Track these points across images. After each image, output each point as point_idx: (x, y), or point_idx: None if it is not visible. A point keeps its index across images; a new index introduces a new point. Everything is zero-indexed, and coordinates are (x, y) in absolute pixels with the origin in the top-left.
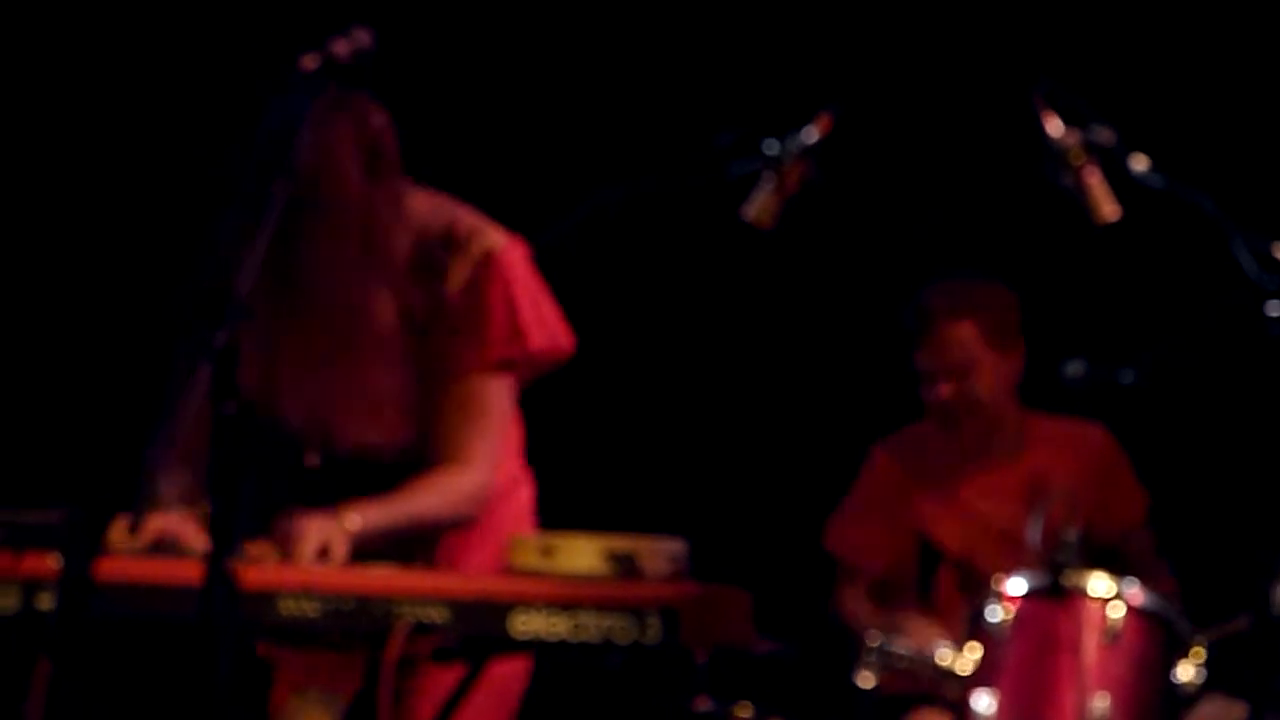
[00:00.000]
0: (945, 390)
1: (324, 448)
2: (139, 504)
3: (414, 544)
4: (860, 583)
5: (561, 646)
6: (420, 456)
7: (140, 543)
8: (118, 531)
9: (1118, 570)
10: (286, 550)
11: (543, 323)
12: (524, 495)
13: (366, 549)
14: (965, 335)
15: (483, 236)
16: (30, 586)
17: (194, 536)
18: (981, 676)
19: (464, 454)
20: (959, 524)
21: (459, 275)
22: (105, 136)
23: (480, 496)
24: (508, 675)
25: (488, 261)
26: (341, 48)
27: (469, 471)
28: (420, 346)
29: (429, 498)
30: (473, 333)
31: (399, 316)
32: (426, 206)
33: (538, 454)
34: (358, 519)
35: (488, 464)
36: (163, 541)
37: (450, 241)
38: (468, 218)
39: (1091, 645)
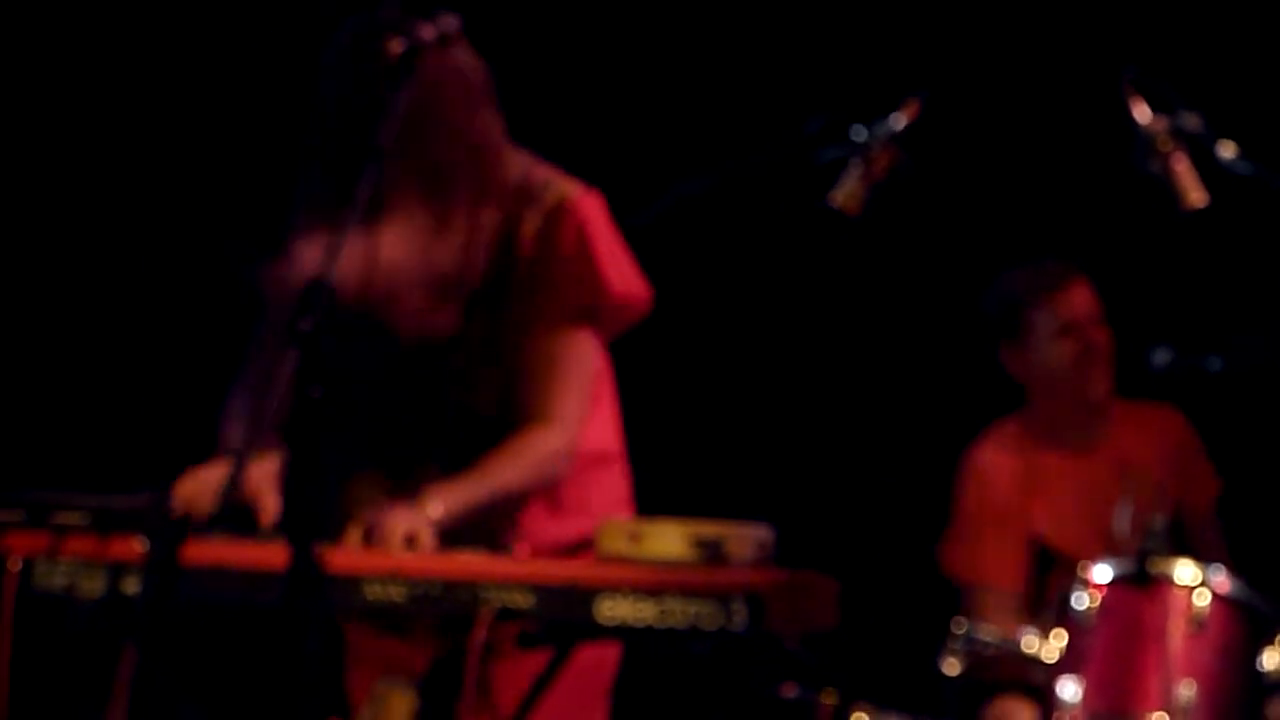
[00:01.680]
0: (1101, 334)
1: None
2: (230, 471)
3: (498, 516)
4: (996, 604)
5: (648, 633)
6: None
7: (223, 495)
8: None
9: (1202, 557)
10: (373, 535)
11: (620, 270)
12: (617, 473)
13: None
14: (1090, 297)
15: (556, 185)
16: (116, 570)
17: (270, 493)
18: (1067, 664)
19: (545, 412)
20: (1065, 518)
21: (531, 225)
22: (186, 114)
23: (563, 456)
24: (594, 662)
25: (560, 209)
26: (428, 32)
27: (550, 431)
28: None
29: (509, 470)
30: (547, 280)
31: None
32: (512, 155)
33: (634, 438)
34: (440, 506)
35: (570, 421)
36: (243, 503)
37: (524, 193)
38: (542, 170)
39: (1177, 633)
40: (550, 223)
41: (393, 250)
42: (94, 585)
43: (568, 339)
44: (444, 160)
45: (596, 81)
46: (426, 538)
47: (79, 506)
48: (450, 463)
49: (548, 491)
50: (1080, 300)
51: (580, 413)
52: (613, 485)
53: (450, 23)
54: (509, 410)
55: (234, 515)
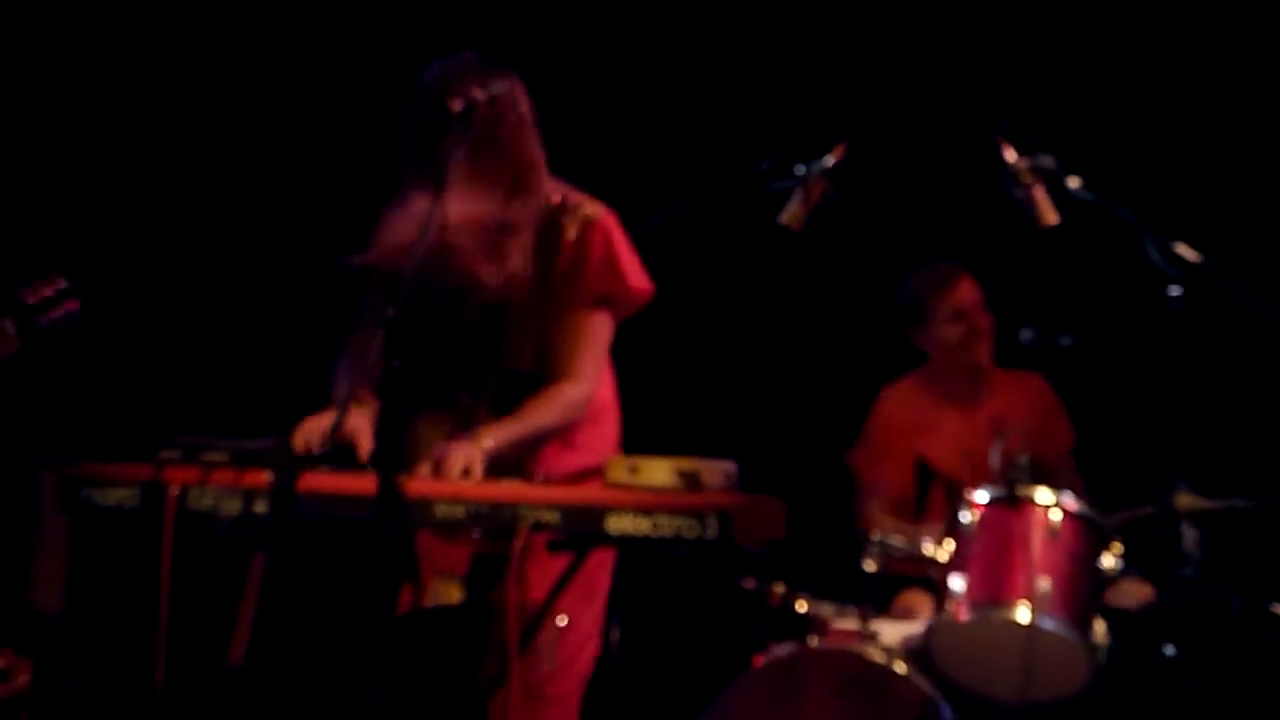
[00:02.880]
0: (983, 319)
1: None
2: (335, 420)
3: (524, 450)
4: (877, 498)
5: (644, 541)
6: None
7: (329, 438)
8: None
9: (1056, 485)
10: (439, 468)
11: (633, 268)
12: (612, 422)
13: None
14: (975, 293)
15: (587, 205)
16: (249, 495)
17: (366, 435)
18: (956, 564)
19: (571, 371)
20: (948, 453)
21: (570, 232)
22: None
23: (583, 404)
24: (599, 562)
25: (591, 222)
26: (479, 95)
27: (575, 385)
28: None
29: (543, 414)
30: (580, 272)
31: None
32: (550, 185)
33: (629, 396)
34: (490, 441)
35: (590, 379)
36: (347, 437)
37: (564, 209)
38: (576, 194)
39: (1037, 540)
40: (584, 231)
41: (464, 239)
42: (232, 506)
43: (592, 317)
44: (498, 178)
45: (611, 131)
46: (479, 468)
47: (221, 447)
48: (498, 408)
49: (562, 433)
50: (966, 292)
51: (596, 373)
52: (609, 431)
53: (499, 85)
54: (544, 367)
55: (338, 453)
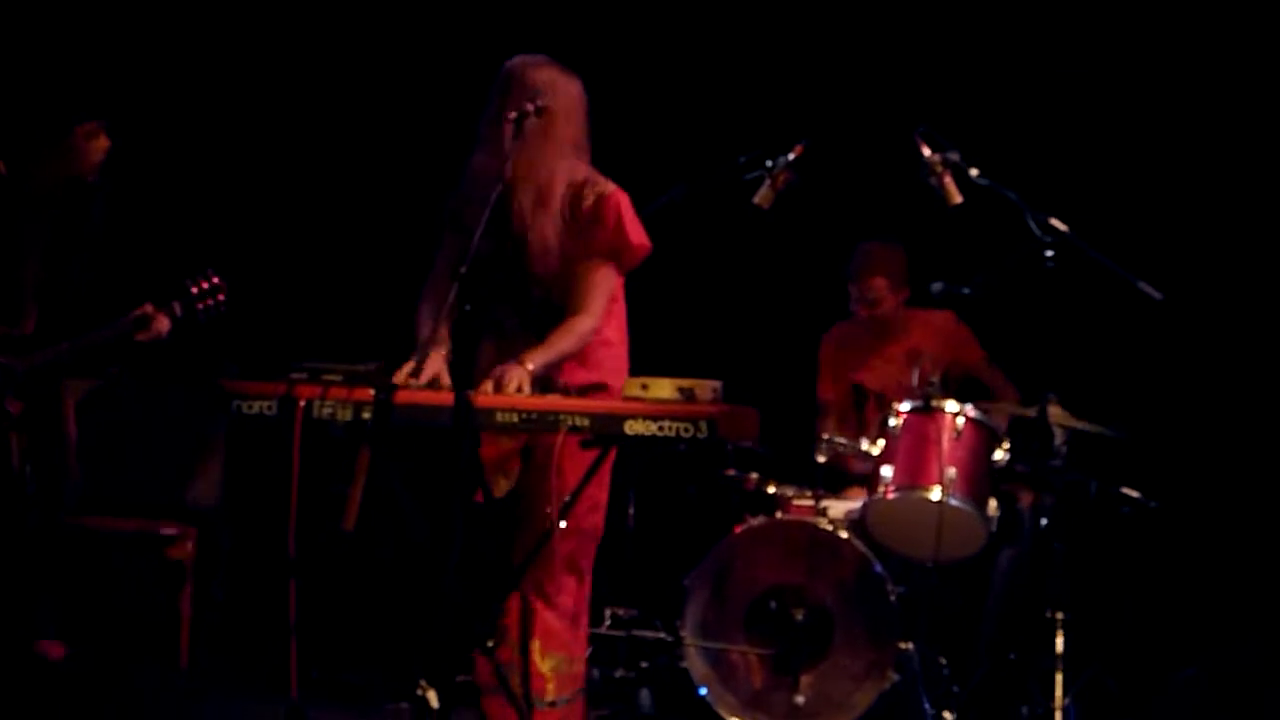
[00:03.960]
0: (864, 310)
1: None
2: (417, 359)
3: (552, 368)
4: (829, 414)
5: (653, 439)
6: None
7: (421, 380)
8: (403, 373)
9: (965, 397)
10: (498, 385)
11: (635, 230)
12: (622, 349)
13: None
14: (880, 284)
15: (603, 183)
16: (359, 406)
17: (445, 374)
18: (885, 456)
19: (584, 307)
20: (877, 377)
21: (589, 200)
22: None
23: (591, 332)
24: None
25: (605, 195)
26: (528, 108)
27: (586, 318)
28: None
29: (565, 341)
30: (594, 232)
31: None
32: (580, 165)
33: (641, 331)
34: (532, 365)
35: (597, 313)
36: (433, 379)
37: (587, 183)
38: (596, 174)
39: (946, 439)
40: (599, 202)
41: (528, 214)
42: (346, 415)
43: (602, 267)
44: (544, 162)
45: (620, 130)
46: (527, 384)
47: (337, 370)
48: (535, 331)
49: (580, 357)
50: (865, 292)
51: (603, 309)
52: (619, 355)
53: (555, 92)
54: (565, 302)
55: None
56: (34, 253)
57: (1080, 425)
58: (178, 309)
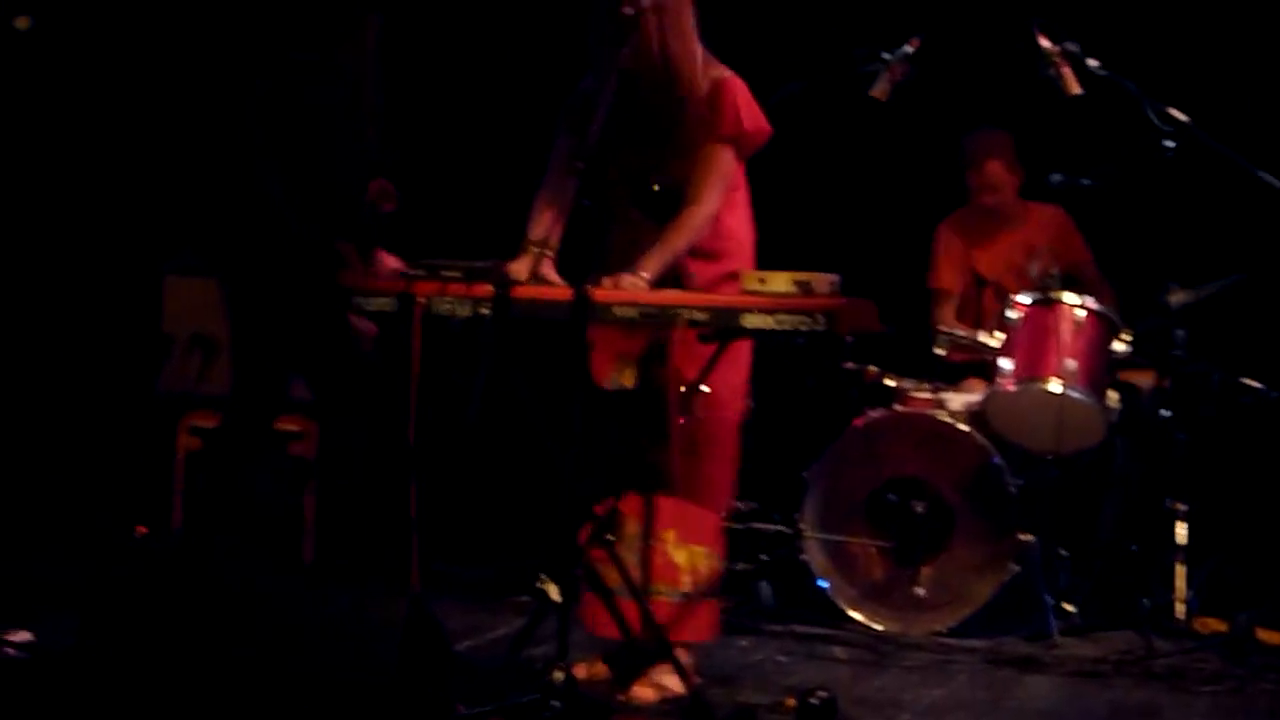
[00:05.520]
0: (989, 197)
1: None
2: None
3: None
4: (946, 303)
5: (772, 332)
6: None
7: (525, 276)
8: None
9: (1079, 290)
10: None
11: (753, 116)
12: (747, 239)
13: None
14: (997, 167)
15: (719, 68)
16: (477, 302)
17: (551, 275)
18: (1005, 349)
19: (698, 197)
20: (994, 266)
21: (705, 86)
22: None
23: (708, 221)
24: (738, 349)
25: (722, 80)
26: (646, 3)
27: (700, 207)
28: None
29: (679, 236)
30: (712, 116)
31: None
32: (694, 51)
33: (760, 222)
34: (647, 274)
35: (712, 202)
36: (537, 275)
37: (703, 69)
38: (712, 60)
39: (1065, 331)
40: (716, 87)
41: (647, 103)
42: (464, 311)
43: (720, 151)
44: (659, 58)
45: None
46: (644, 285)
47: (456, 266)
48: (656, 217)
49: (706, 251)
50: (983, 176)
51: (718, 197)
52: (745, 246)
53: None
54: (686, 192)
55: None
56: None
57: (1197, 294)
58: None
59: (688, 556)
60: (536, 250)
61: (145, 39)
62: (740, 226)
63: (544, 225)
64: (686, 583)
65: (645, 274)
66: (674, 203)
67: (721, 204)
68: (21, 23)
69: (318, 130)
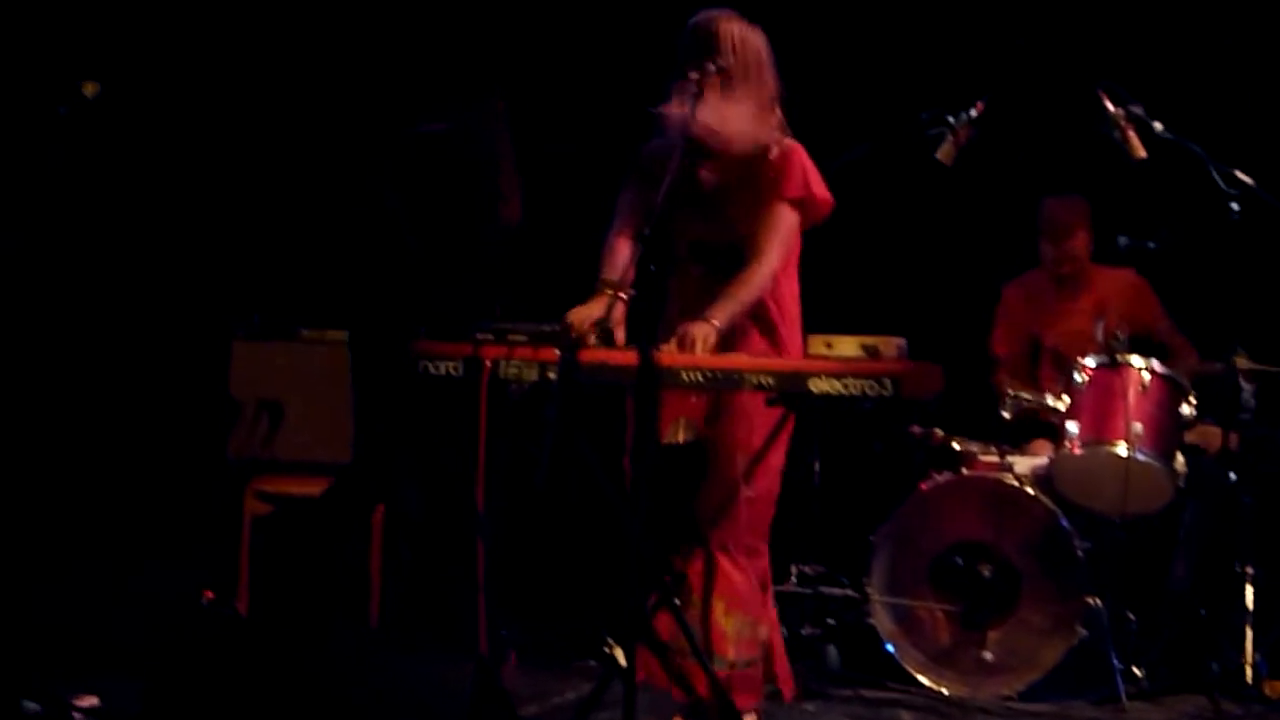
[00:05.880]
0: (1068, 268)
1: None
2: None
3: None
4: (1003, 370)
5: (838, 398)
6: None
7: (599, 316)
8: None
9: (1148, 353)
10: (683, 343)
11: (817, 184)
12: (796, 311)
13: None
14: (1082, 241)
15: (789, 139)
16: (544, 366)
17: (620, 321)
18: (1071, 413)
19: (762, 253)
20: (1058, 332)
21: (772, 155)
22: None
23: (770, 278)
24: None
25: (790, 149)
26: (710, 65)
27: (763, 264)
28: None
29: (745, 291)
30: (780, 179)
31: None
32: (767, 116)
33: (830, 289)
34: (718, 321)
35: (774, 261)
36: (603, 326)
37: (769, 138)
38: (778, 129)
39: (1132, 394)
40: (784, 152)
41: (712, 170)
42: (531, 374)
43: (784, 211)
44: (735, 111)
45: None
46: (713, 339)
47: (522, 330)
48: (718, 274)
49: (760, 324)
50: (1064, 250)
51: (780, 255)
52: (794, 320)
53: (747, 45)
54: (749, 250)
55: (605, 335)
56: None
57: (1265, 366)
58: None
59: (735, 625)
60: (611, 293)
61: (289, 118)
62: (791, 295)
63: (617, 268)
64: (731, 652)
65: (715, 320)
66: (735, 261)
67: (781, 265)
68: (89, 88)
69: (451, 193)
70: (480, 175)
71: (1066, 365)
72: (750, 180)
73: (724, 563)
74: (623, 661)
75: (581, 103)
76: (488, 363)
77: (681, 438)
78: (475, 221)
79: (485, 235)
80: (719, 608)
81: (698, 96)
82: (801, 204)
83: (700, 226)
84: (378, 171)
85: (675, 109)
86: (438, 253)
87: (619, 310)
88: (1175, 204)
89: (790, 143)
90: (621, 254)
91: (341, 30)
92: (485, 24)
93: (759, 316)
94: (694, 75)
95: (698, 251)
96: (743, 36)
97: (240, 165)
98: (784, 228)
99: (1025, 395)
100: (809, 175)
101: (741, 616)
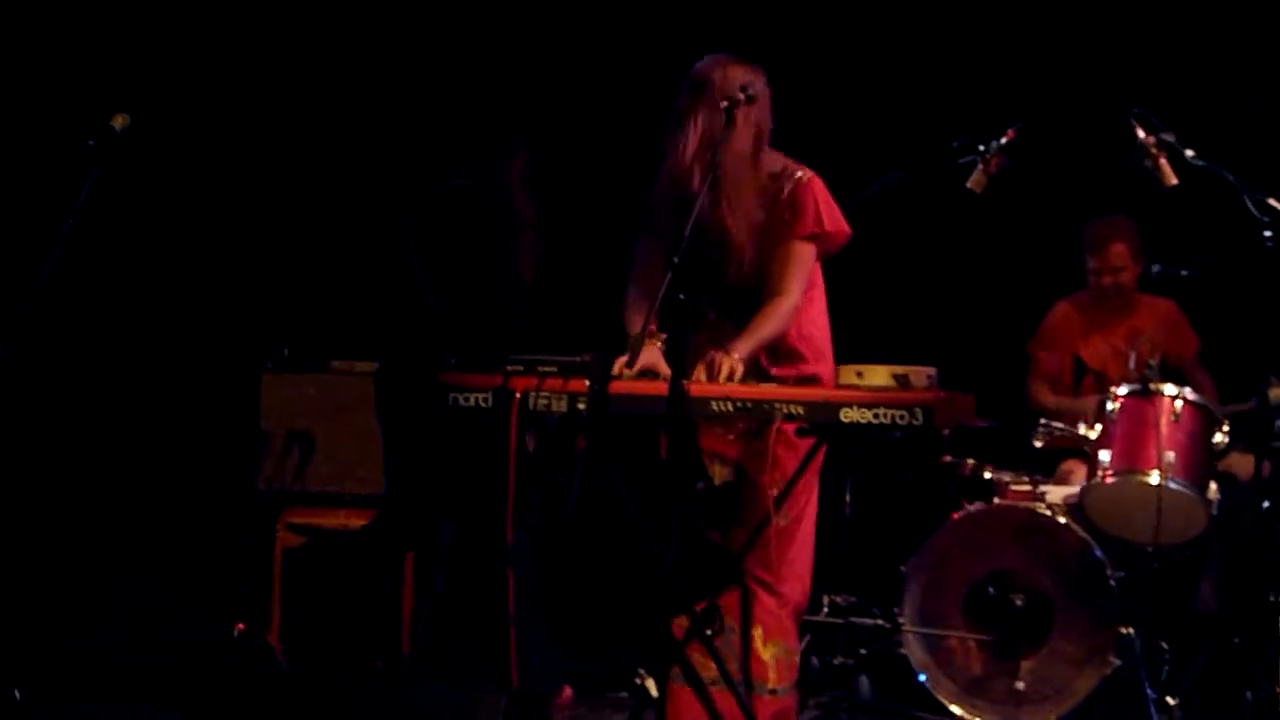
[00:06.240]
0: (1109, 279)
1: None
2: (631, 351)
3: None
4: (1041, 378)
5: (869, 426)
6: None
7: (633, 370)
8: (619, 365)
9: (1180, 381)
10: (711, 373)
11: (834, 217)
12: (825, 338)
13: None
14: (1122, 251)
15: (800, 170)
16: (573, 397)
17: (661, 363)
18: (1103, 440)
19: (783, 289)
20: (1100, 353)
21: (789, 187)
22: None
23: (792, 313)
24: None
25: (803, 181)
26: (739, 96)
27: (785, 299)
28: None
29: (768, 325)
30: (794, 217)
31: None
32: (774, 155)
33: (861, 318)
34: (741, 352)
35: (795, 294)
36: (646, 369)
37: (784, 173)
38: (793, 162)
39: (1164, 423)
40: (797, 187)
41: (728, 205)
42: (561, 406)
43: (799, 249)
44: (747, 153)
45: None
46: (739, 370)
47: (552, 361)
48: (734, 319)
49: (787, 351)
50: (1106, 260)
51: (800, 290)
52: (822, 346)
53: (753, 86)
54: (763, 286)
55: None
56: None
57: None
58: None
59: (773, 653)
60: (640, 342)
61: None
62: (817, 327)
63: (641, 319)
64: (771, 679)
65: (739, 353)
66: (753, 305)
67: (802, 299)
68: (119, 121)
69: (473, 244)
70: (496, 229)
71: (1107, 387)
72: (766, 218)
73: (760, 592)
74: (654, 692)
75: (600, 152)
76: (517, 394)
77: (718, 479)
78: (491, 275)
79: (501, 289)
80: (757, 635)
81: (728, 126)
82: (817, 239)
83: (715, 271)
84: (403, 224)
85: (682, 153)
86: (454, 307)
87: (652, 354)
88: (1208, 232)
89: (803, 175)
90: (642, 305)
91: (368, 75)
92: (508, 78)
93: (782, 351)
94: (699, 119)
95: (713, 294)
96: (751, 75)
97: (270, 199)
98: (801, 263)
99: (1057, 425)
100: (821, 210)
101: (779, 644)
